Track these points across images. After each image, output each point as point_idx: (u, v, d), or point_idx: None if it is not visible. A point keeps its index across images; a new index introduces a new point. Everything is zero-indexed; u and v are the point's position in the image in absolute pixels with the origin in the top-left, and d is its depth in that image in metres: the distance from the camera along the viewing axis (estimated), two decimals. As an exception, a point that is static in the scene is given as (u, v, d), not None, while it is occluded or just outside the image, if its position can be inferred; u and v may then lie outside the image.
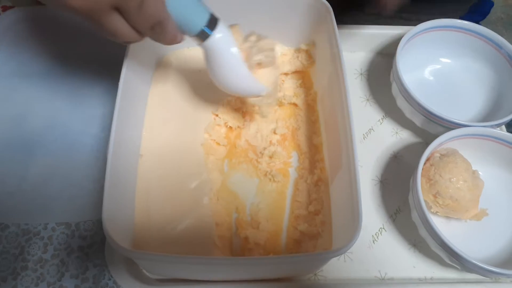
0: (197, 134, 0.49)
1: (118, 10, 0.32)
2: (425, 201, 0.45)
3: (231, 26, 0.41)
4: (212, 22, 0.38)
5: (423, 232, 0.43)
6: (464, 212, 0.44)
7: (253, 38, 0.42)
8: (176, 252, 0.41)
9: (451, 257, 0.41)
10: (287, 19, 0.51)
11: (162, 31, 0.36)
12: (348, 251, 0.45)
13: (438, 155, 0.45)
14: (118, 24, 0.33)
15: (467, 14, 0.72)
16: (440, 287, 0.43)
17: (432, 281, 0.45)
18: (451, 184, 0.42)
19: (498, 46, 0.51)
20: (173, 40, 0.37)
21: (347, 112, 0.41)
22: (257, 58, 0.42)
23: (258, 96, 0.44)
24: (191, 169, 0.46)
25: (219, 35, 0.39)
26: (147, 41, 0.37)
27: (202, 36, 0.38)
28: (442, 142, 0.45)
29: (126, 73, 0.42)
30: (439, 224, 0.46)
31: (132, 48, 0.44)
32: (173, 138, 0.48)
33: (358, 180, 0.37)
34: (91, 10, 0.31)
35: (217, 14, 0.39)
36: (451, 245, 0.39)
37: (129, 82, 0.43)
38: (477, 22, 0.91)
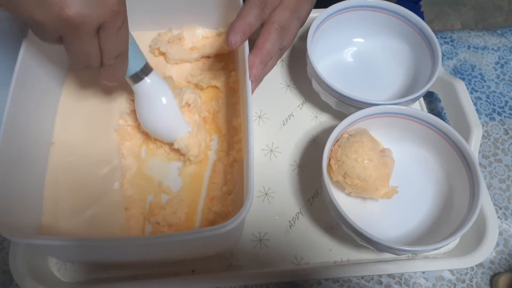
0: (111, 120, 0.49)
1: (99, 29, 0.33)
2: (338, 182, 0.45)
3: (166, 77, 0.46)
4: (147, 68, 0.43)
5: (333, 214, 0.43)
6: (375, 191, 0.44)
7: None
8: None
9: (358, 237, 0.40)
10: (203, 1, 0.51)
11: (122, 62, 0.38)
12: (265, 238, 0.45)
13: (346, 135, 0.45)
14: (92, 45, 0.34)
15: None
16: (356, 268, 0.43)
17: (348, 262, 0.44)
18: (357, 163, 0.42)
19: (411, 23, 0.51)
20: (122, 75, 0.40)
21: (245, 93, 0.41)
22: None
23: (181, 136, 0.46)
24: (102, 156, 0.47)
25: (150, 80, 0.43)
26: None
27: (136, 79, 0.43)
28: (350, 123, 0.45)
29: (23, 63, 0.41)
30: (355, 205, 0.46)
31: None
32: (86, 125, 0.49)
33: (251, 153, 0.38)
34: (82, 23, 0.31)
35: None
36: (355, 225, 0.39)
37: (29, 71, 0.43)
38: (417, 2, 0.92)
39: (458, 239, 0.46)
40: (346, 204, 0.45)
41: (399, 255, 0.43)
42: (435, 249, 0.39)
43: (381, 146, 0.46)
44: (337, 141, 0.45)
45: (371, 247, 0.41)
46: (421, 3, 0.95)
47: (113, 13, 0.32)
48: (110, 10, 0.32)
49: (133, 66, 0.41)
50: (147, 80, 0.43)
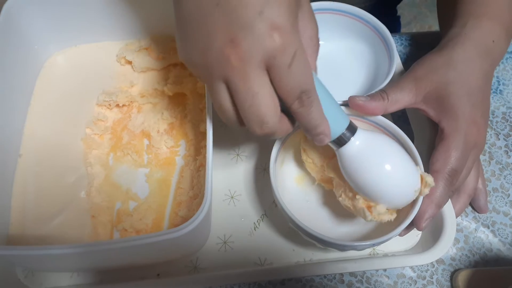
0: (78, 129, 0.50)
1: (267, 70, 0.30)
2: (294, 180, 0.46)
3: None
4: (352, 128, 0.37)
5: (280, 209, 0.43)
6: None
7: None
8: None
9: (301, 233, 0.41)
10: (170, 10, 0.52)
11: (311, 103, 0.31)
12: (230, 240, 0.46)
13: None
14: (264, 92, 0.30)
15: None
16: (317, 268, 0.43)
17: (311, 262, 0.45)
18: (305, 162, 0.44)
19: (368, 23, 0.52)
20: (320, 124, 0.33)
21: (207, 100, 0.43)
22: None
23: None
24: (68, 165, 0.48)
25: (359, 142, 0.37)
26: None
27: (340, 142, 0.37)
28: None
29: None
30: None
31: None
32: (53, 135, 0.49)
33: (209, 158, 0.39)
34: (241, 72, 0.29)
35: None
36: (296, 220, 0.40)
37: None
38: (394, 5, 0.93)
39: (419, 237, 0.46)
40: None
41: (343, 250, 0.42)
42: (387, 240, 0.39)
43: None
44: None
45: (318, 244, 0.41)
46: (397, 7, 0.96)
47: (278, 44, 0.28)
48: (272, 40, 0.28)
49: (335, 128, 0.35)
50: (355, 141, 0.37)
